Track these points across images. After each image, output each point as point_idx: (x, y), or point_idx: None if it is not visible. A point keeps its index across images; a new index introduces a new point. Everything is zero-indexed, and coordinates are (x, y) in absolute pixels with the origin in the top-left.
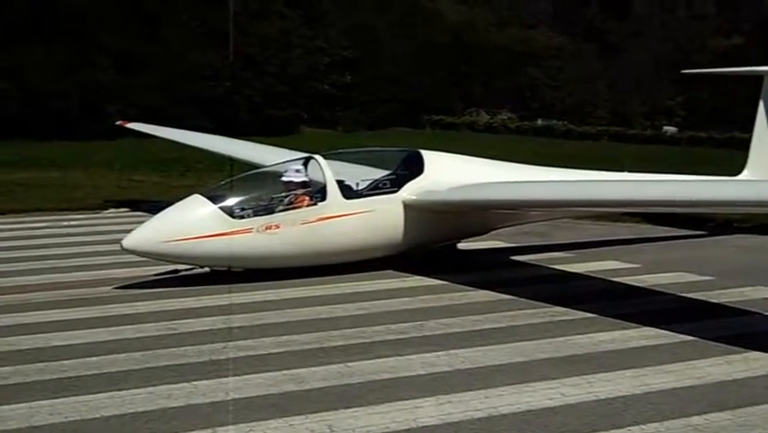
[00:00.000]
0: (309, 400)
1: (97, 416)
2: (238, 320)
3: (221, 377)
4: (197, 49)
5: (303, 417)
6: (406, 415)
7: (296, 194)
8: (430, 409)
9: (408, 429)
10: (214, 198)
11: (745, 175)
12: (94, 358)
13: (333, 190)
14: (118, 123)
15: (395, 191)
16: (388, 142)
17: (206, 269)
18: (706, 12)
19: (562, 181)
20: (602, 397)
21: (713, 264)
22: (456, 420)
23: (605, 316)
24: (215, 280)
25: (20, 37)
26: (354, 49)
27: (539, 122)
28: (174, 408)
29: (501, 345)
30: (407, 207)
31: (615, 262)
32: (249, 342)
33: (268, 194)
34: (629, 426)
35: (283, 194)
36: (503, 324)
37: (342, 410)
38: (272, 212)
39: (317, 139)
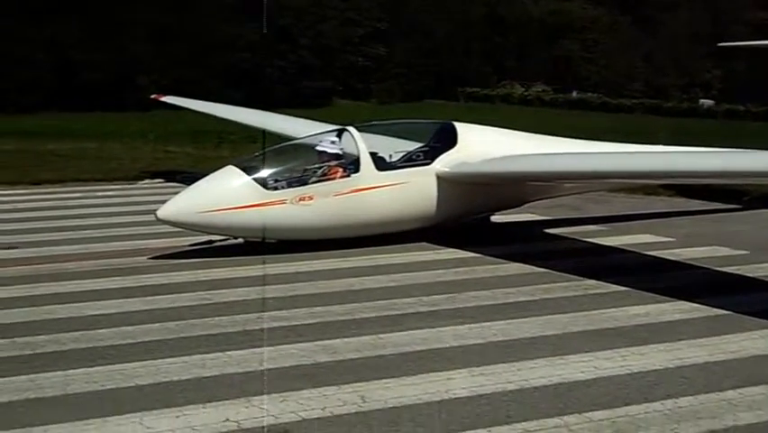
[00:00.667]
0: (342, 370)
1: (132, 384)
2: (271, 291)
3: (255, 347)
4: (231, 21)
5: (336, 387)
6: (438, 387)
7: (329, 165)
8: (462, 381)
9: (440, 401)
10: (247, 170)
11: None
12: (129, 327)
13: (366, 162)
14: (153, 96)
15: (428, 163)
16: (422, 115)
17: (240, 240)
18: None
19: (595, 153)
20: (635, 370)
21: (748, 238)
22: (488, 392)
23: (639, 289)
24: (249, 250)
25: (54, 9)
26: (388, 21)
27: (574, 94)
28: (208, 377)
29: (534, 317)
30: (441, 179)
31: (649, 235)
32: (282, 312)
33: (301, 165)
34: (662, 399)
35: (316, 165)
36: (536, 297)
37: (375, 381)
38: (306, 183)
39: (350, 111)
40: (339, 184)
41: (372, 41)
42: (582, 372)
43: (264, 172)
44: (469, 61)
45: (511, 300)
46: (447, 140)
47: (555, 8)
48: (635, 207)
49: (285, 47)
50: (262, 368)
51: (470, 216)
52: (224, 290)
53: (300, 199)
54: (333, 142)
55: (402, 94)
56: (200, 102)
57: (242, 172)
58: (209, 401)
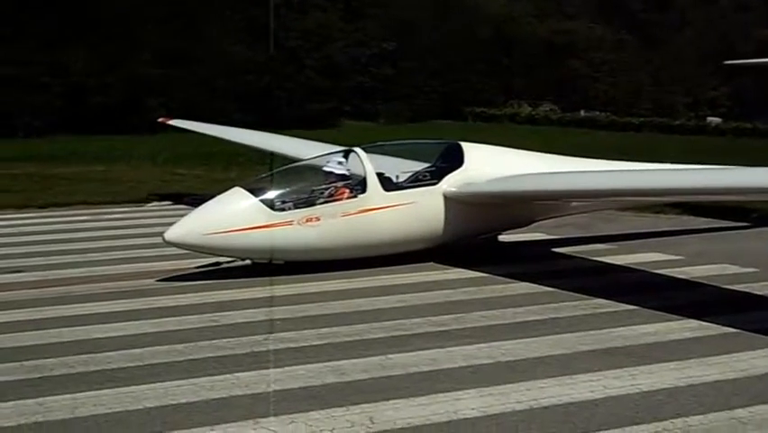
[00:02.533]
0: (350, 391)
1: (140, 407)
2: (279, 312)
3: (262, 369)
4: (239, 43)
5: (344, 408)
6: (447, 407)
7: (336, 186)
8: (471, 402)
9: (449, 421)
10: (254, 191)
11: None
12: (136, 350)
13: (373, 183)
14: (160, 119)
15: (435, 183)
16: (430, 135)
17: (248, 261)
18: (750, 2)
19: (601, 171)
20: (645, 389)
21: (756, 256)
22: (497, 412)
23: (647, 308)
24: (257, 272)
25: (63, 33)
26: (394, 41)
27: (581, 113)
28: (216, 399)
29: (543, 337)
30: (448, 199)
31: (657, 253)
32: (290, 334)
33: (308, 186)
34: (672, 418)
35: (323, 186)
36: (545, 316)
37: (383, 402)
38: (313, 204)
39: (358, 131)
40: (346, 205)
41: (380, 62)
42: (591, 391)
43: (271, 194)
44: (476, 81)
45: (520, 320)
46: (454, 160)
47: (561, 28)
48: (643, 226)
49: (292, 68)
50: (270, 390)
51: (478, 236)
52: (231, 312)
53: (307, 220)
54: (340, 163)
55: (410, 114)
56: (206, 125)
57: (248, 194)
58: (217, 423)
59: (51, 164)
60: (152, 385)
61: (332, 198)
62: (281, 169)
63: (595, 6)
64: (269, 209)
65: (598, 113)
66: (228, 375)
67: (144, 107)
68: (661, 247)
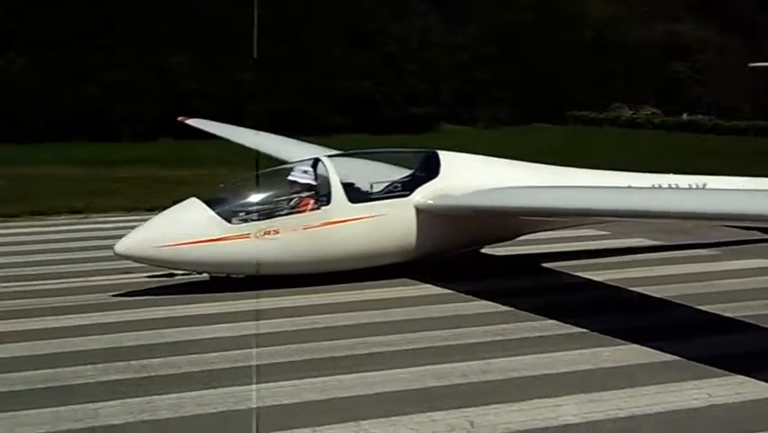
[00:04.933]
0: (451, 395)
1: (243, 408)
2: (365, 317)
3: (365, 372)
4: (339, 48)
5: (444, 412)
6: (548, 413)
7: (300, 197)
8: (572, 408)
9: (547, 428)
10: (210, 202)
11: None
12: (235, 351)
13: (338, 194)
14: (179, 118)
15: (407, 195)
16: (528, 138)
17: (205, 275)
18: None
19: (585, 188)
20: (751, 398)
21: None
22: (599, 419)
23: (753, 315)
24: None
25: (165, 38)
26: (494, 45)
27: (684, 116)
28: (317, 401)
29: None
30: (420, 211)
31: (762, 260)
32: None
33: (270, 197)
34: None
35: (285, 197)
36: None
37: (483, 407)
38: (272, 216)
39: (456, 135)
40: (308, 217)
41: (479, 66)
42: (695, 399)
43: (228, 205)
44: (576, 85)
45: (617, 326)
46: (429, 170)
47: (665, 29)
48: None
49: (392, 73)
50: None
51: (456, 252)
52: (320, 315)
53: (266, 233)
54: (305, 172)
55: (509, 118)
56: (223, 125)
57: (204, 205)
58: (318, 426)
59: (155, 167)
60: (256, 386)
61: (294, 209)
62: (244, 177)
63: (699, 8)
64: (224, 222)
65: (701, 116)
66: (329, 378)
67: (245, 113)
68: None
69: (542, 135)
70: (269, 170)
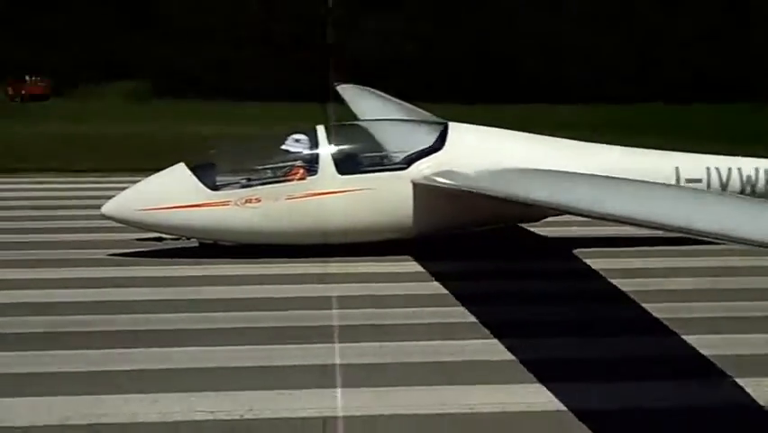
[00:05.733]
0: None
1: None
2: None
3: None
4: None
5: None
6: None
7: (288, 166)
8: None
9: None
10: (196, 168)
11: None
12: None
13: (326, 164)
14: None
15: (403, 168)
16: None
17: (193, 240)
18: None
19: (589, 178)
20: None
21: None
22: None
23: None
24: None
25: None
26: None
27: None
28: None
29: None
30: (416, 186)
31: None
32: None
33: (257, 165)
34: None
35: (271, 166)
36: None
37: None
38: (255, 185)
39: None
40: (292, 187)
41: None
42: None
43: (212, 171)
44: None
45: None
46: (434, 142)
47: None
48: None
49: None
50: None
51: (455, 231)
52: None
53: (246, 201)
54: (297, 141)
55: None
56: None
57: (188, 171)
58: None
59: None
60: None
61: (279, 179)
62: (234, 144)
63: None
64: (205, 188)
65: None
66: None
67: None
68: None
69: None
70: (263, 135)
